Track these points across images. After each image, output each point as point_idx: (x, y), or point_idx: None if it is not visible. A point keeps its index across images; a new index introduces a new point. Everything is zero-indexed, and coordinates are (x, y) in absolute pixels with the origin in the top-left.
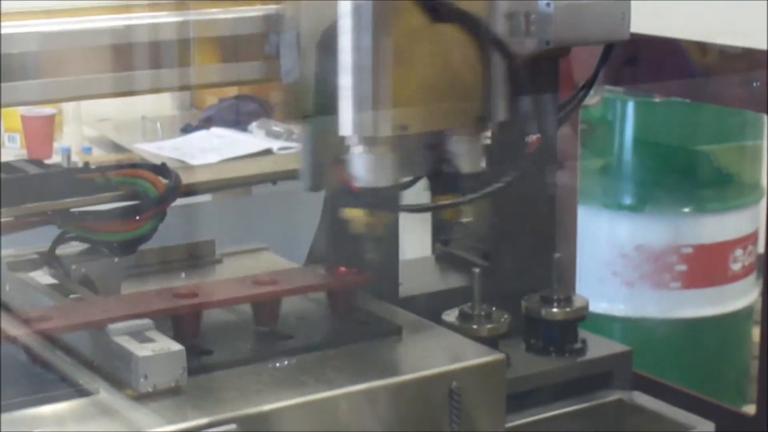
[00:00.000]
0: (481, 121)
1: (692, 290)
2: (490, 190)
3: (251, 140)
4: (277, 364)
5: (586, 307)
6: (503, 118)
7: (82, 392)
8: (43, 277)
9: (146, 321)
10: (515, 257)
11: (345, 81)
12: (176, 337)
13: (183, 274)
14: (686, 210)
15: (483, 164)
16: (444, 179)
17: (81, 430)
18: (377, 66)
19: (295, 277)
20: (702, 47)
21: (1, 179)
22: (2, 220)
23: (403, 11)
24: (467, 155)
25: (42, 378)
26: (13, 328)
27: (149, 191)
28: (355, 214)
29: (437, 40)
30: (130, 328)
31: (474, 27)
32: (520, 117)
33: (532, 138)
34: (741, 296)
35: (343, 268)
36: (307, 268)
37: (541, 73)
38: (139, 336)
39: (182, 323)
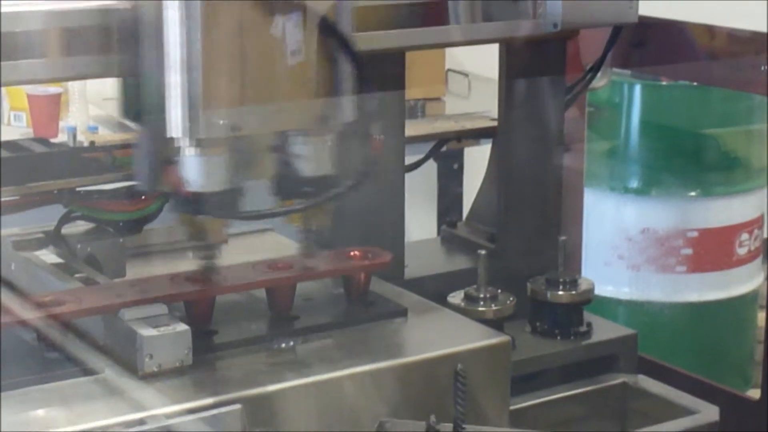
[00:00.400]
0: (324, 121)
1: (698, 274)
2: (329, 195)
3: None
4: (283, 345)
5: (591, 290)
6: (349, 118)
7: (87, 372)
8: (48, 256)
9: (160, 305)
10: (521, 240)
11: (173, 79)
12: (188, 322)
13: (189, 255)
14: (692, 194)
15: (329, 167)
16: (288, 183)
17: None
18: (207, 63)
19: (309, 263)
20: (710, 30)
21: (6, 158)
22: (8, 198)
23: (235, 4)
24: (311, 157)
25: (47, 357)
26: (20, 310)
27: None
28: (187, 221)
29: (273, 35)
30: (143, 313)
31: (314, 22)
32: (365, 117)
33: (377, 138)
34: (746, 280)
35: (356, 252)
36: (320, 252)
37: (549, 56)
38: (152, 321)
39: (195, 308)
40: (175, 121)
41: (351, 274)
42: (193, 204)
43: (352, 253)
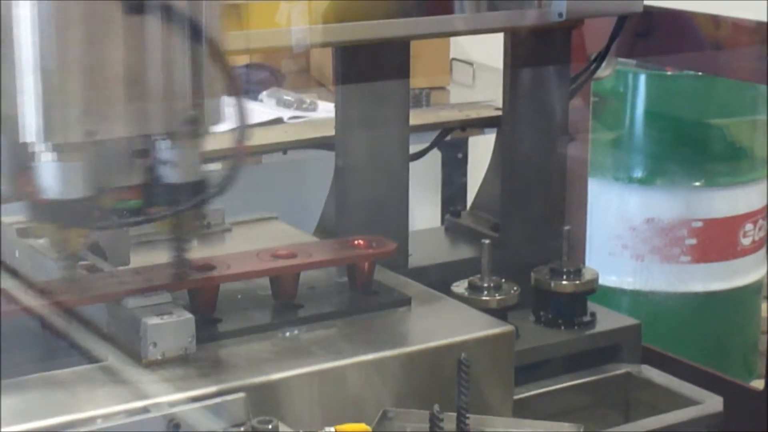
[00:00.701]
0: (191, 124)
1: (702, 264)
2: (194, 202)
3: (262, 109)
4: (287, 334)
5: (595, 280)
6: (216, 122)
7: (91, 359)
8: None
9: (164, 294)
10: (525, 229)
11: (26, 81)
12: (192, 310)
13: (193, 243)
14: (697, 184)
15: (197, 173)
16: (156, 189)
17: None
18: (61, 65)
19: (314, 251)
20: (715, 20)
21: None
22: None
23: (90, 4)
24: (179, 163)
25: (51, 344)
26: (24, 297)
27: None
28: (44, 230)
29: (134, 36)
30: (148, 302)
31: (177, 22)
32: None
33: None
34: (751, 271)
35: (361, 241)
36: (325, 241)
37: (554, 45)
38: (156, 309)
39: (199, 296)
40: (30, 125)
41: (355, 263)
42: (51, 212)
43: (356, 242)
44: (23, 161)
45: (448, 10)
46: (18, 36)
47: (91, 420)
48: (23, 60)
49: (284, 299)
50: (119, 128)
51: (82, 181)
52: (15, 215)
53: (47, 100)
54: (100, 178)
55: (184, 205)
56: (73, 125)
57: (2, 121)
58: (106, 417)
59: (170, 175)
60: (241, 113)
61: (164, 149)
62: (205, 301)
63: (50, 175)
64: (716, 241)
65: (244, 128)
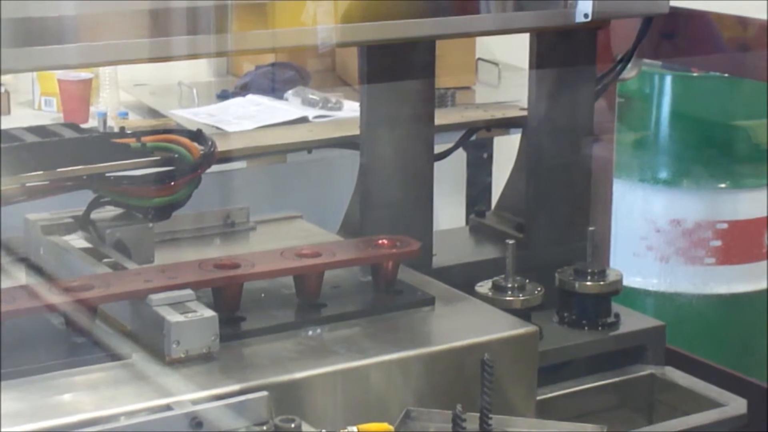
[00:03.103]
0: None
1: (727, 266)
2: None
3: (287, 108)
4: (310, 333)
5: (620, 281)
6: None
7: (115, 357)
8: (77, 240)
9: (188, 292)
10: (550, 230)
11: None
12: (216, 308)
13: (217, 241)
14: (722, 185)
15: None
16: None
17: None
18: None
19: (337, 250)
20: (742, 22)
21: (35, 143)
22: (38, 183)
23: None
24: None
25: (75, 342)
26: (48, 294)
27: (184, 157)
28: None
29: None
30: (171, 299)
31: None
32: None
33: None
34: None
35: (385, 240)
36: (349, 240)
37: (580, 46)
38: (179, 307)
39: (223, 294)
40: None
41: (379, 263)
42: None
43: (380, 242)
44: None
45: (474, 10)
46: None
47: (113, 417)
48: None
49: (308, 298)
50: None
51: None
52: (40, 212)
53: None
54: None
55: None
56: None
57: None
58: (128, 414)
59: None
60: None
61: None
62: (229, 299)
63: None
64: (741, 242)
65: None
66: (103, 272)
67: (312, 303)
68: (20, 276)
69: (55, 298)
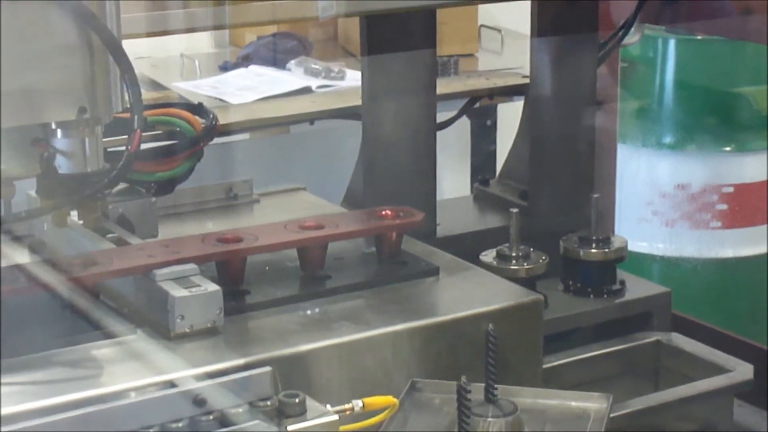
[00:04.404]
0: (81, 114)
1: (732, 230)
2: (78, 197)
3: (290, 78)
4: (315, 306)
5: (624, 248)
6: (103, 113)
7: (120, 333)
8: None
9: (191, 266)
10: (554, 197)
11: None
12: (220, 282)
13: (220, 214)
14: (727, 149)
15: (87, 164)
16: (51, 180)
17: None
18: None
19: (341, 222)
20: None
21: None
22: None
23: None
24: (70, 153)
25: (79, 319)
26: (50, 271)
27: (186, 131)
28: None
29: (20, 21)
30: (175, 273)
31: (70, 11)
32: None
33: (134, 136)
34: None
35: (388, 211)
36: (352, 212)
37: (582, 12)
38: (184, 281)
39: (227, 268)
40: None
41: (382, 234)
42: None
43: (383, 212)
44: None
45: None
46: None
47: (117, 394)
48: None
49: (312, 270)
50: (13, 117)
51: None
52: None
53: None
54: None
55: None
56: None
57: None
58: (133, 391)
59: (65, 165)
60: (137, 101)
61: (57, 139)
62: (233, 272)
63: None
64: (747, 206)
65: (140, 117)
66: (106, 248)
67: (316, 275)
68: (24, 253)
69: (57, 275)
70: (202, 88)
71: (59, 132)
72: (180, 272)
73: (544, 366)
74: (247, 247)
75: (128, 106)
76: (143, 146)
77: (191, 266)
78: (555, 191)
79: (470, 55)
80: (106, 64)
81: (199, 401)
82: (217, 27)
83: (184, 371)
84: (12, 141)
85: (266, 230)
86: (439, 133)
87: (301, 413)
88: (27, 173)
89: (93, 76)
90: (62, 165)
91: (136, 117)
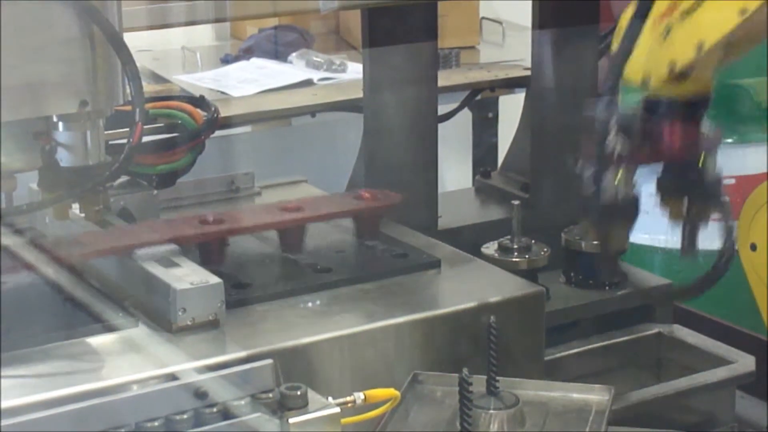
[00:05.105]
0: (83, 107)
1: (735, 222)
2: (80, 190)
3: (291, 71)
4: (317, 298)
5: (626, 240)
6: (105, 105)
7: (122, 326)
8: None
9: (172, 246)
10: (555, 189)
11: None
12: (203, 263)
13: (222, 207)
14: (729, 141)
15: (89, 157)
16: (52, 173)
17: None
18: None
19: (320, 204)
20: None
21: None
22: None
23: None
24: (72, 146)
25: (82, 312)
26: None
27: (187, 124)
28: None
29: (21, 15)
30: (156, 253)
31: (72, 5)
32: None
33: (136, 129)
34: None
35: (366, 194)
36: (331, 194)
37: (583, 4)
38: (168, 262)
39: (208, 249)
40: None
41: (361, 215)
42: None
43: (362, 195)
44: None
45: None
46: None
47: (118, 387)
48: None
49: (291, 251)
50: (15, 111)
51: None
52: None
53: None
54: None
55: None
56: None
57: None
58: (133, 384)
59: (67, 158)
60: (139, 94)
61: (59, 132)
62: (215, 254)
63: None
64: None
65: (141, 109)
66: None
67: (318, 268)
68: (25, 245)
69: (44, 255)
70: (204, 80)
71: (61, 125)
72: (161, 252)
73: (546, 358)
74: (228, 228)
75: (129, 98)
76: (145, 139)
77: (172, 246)
78: (556, 183)
79: (471, 48)
80: (108, 57)
81: (200, 394)
82: (219, 20)
83: (186, 364)
84: (14, 134)
85: (247, 212)
86: (440, 126)
87: (302, 406)
88: (29, 166)
89: (95, 69)
90: (64, 158)
91: (137, 110)
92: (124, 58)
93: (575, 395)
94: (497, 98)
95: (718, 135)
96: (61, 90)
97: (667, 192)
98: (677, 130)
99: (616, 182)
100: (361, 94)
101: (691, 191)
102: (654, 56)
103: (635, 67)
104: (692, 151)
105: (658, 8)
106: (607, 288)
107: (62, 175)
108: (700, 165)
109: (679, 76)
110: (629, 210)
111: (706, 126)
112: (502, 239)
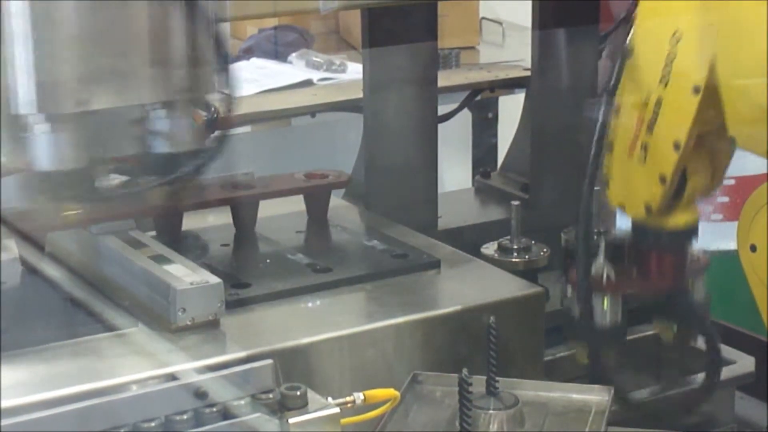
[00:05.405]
0: (185, 94)
1: (734, 222)
2: (182, 173)
3: (291, 71)
4: (316, 298)
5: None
6: (208, 91)
7: (121, 326)
8: None
9: (128, 221)
10: (555, 190)
11: (18, 52)
12: (159, 237)
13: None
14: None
15: (191, 143)
16: (148, 160)
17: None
18: (53, 35)
19: (271, 183)
20: None
21: None
22: None
23: None
24: (172, 133)
25: (81, 313)
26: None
27: None
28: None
29: (122, 5)
30: (112, 227)
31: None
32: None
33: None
34: None
35: (317, 174)
36: (283, 174)
37: (583, 4)
38: (124, 235)
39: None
40: (23, 96)
41: (311, 194)
42: (45, 184)
43: (313, 174)
44: (20, 131)
45: None
46: (9, 5)
47: (118, 386)
48: (15, 29)
49: (243, 228)
50: (112, 98)
51: (75, 152)
52: None
53: (39, 70)
54: (94, 148)
55: (173, 175)
56: (66, 95)
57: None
58: (133, 384)
59: (164, 145)
60: (232, 83)
61: (159, 119)
62: (171, 227)
63: (43, 147)
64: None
65: (233, 98)
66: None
67: (318, 268)
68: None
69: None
70: None
71: (157, 112)
72: (117, 226)
73: (546, 358)
74: (183, 204)
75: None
76: None
77: (128, 221)
78: (556, 184)
79: (471, 48)
80: (203, 48)
81: (200, 394)
82: (219, 20)
83: (186, 364)
84: (107, 122)
85: (203, 189)
86: (440, 126)
87: (302, 406)
88: (121, 154)
89: (192, 59)
90: (158, 145)
91: (228, 103)
92: (219, 50)
93: (575, 396)
94: (497, 98)
95: (707, 258)
96: (159, 78)
97: (656, 316)
98: (665, 260)
99: (604, 308)
100: (361, 95)
101: (679, 317)
102: (634, 185)
103: (619, 197)
104: (679, 279)
105: (624, 137)
106: None
107: (158, 162)
108: (687, 290)
109: (658, 212)
110: (617, 336)
111: (694, 250)
112: (501, 239)
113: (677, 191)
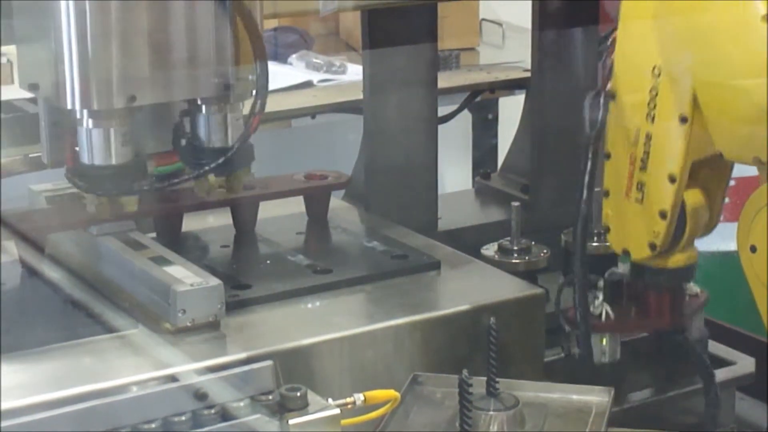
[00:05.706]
0: (226, 90)
1: (735, 223)
2: (205, 170)
3: (291, 72)
4: (316, 300)
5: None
6: (243, 91)
7: (121, 327)
8: None
9: (129, 222)
10: (555, 191)
11: (67, 49)
12: (159, 238)
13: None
14: None
15: (229, 137)
16: (192, 154)
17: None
18: (101, 32)
19: (271, 184)
20: None
21: (37, 114)
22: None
23: None
24: (212, 128)
25: (81, 315)
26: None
27: None
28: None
29: (168, 5)
30: (112, 227)
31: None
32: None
33: (254, 119)
34: None
35: (317, 174)
36: (282, 175)
37: (583, 5)
38: (124, 236)
39: (165, 224)
40: (71, 92)
41: (311, 194)
42: (90, 178)
43: (312, 175)
44: (71, 127)
45: None
46: (59, 4)
47: (118, 388)
48: (64, 28)
49: (243, 230)
50: (158, 94)
51: (122, 147)
52: (44, 183)
53: (87, 66)
54: (140, 143)
55: (215, 165)
56: (113, 91)
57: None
58: (133, 385)
59: (208, 139)
60: (265, 83)
61: (200, 114)
62: (171, 227)
63: (91, 141)
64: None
65: (263, 101)
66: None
67: (318, 269)
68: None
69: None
70: None
71: (203, 108)
72: (117, 226)
73: (546, 359)
74: (183, 204)
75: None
76: None
77: (128, 222)
78: (556, 185)
79: (471, 49)
80: (245, 48)
81: (200, 395)
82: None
83: (186, 365)
84: (148, 117)
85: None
86: (440, 127)
87: (302, 407)
88: (161, 148)
89: (236, 58)
90: (203, 140)
91: (258, 102)
92: (258, 52)
93: (575, 397)
94: (497, 100)
95: (704, 295)
96: (209, 74)
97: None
98: (663, 299)
99: (602, 346)
100: (361, 96)
101: (676, 355)
102: (635, 226)
103: (622, 242)
104: (677, 317)
105: (618, 180)
106: None
107: (206, 154)
108: (685, 329)
109: (663, 251)
110: (616, 375)
111: (692, 288)
112: (501, 241)
113: (677, 230)
